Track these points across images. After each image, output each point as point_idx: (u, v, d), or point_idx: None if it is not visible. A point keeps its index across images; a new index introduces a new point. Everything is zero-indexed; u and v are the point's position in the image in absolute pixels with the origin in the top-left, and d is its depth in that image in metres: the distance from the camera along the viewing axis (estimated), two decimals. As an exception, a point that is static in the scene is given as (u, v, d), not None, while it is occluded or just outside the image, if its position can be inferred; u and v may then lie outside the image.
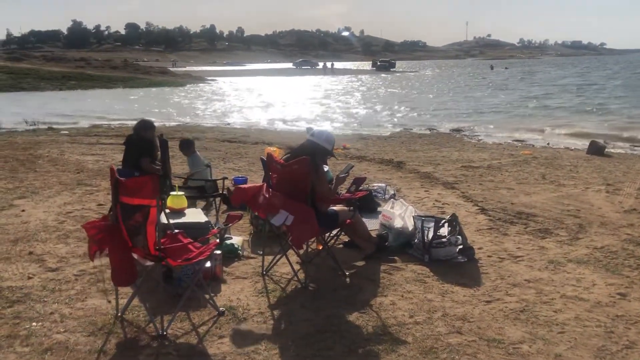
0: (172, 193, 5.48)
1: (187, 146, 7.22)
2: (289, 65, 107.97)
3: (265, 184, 4.63)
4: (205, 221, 5.13)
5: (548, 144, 14.70)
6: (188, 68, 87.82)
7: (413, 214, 5.52)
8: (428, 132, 17.63)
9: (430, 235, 5.06)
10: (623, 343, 3.49)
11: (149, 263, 3.75)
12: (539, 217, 6.56)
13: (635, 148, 13.93)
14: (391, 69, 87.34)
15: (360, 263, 5.00)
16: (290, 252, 4.73)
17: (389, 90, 43.39)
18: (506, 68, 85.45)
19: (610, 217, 6.57)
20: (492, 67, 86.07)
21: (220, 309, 3.91)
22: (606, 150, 12.41)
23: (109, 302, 4.01)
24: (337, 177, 4.84)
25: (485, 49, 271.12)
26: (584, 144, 13.67)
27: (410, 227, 5.38)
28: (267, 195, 4.43)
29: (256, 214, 5.53)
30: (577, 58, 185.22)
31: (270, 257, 4.76)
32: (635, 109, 23.11)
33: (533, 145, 14.23)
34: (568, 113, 23.07)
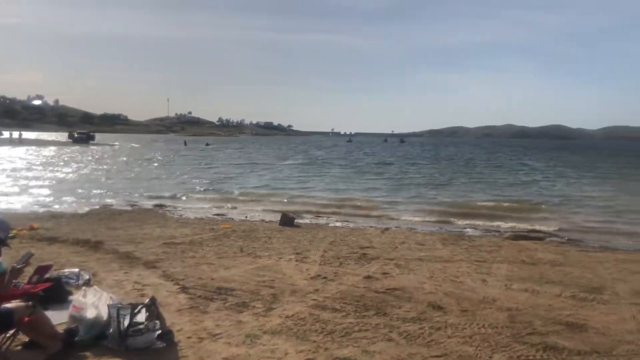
0: None
1: None
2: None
3: None
4: None
5: (246, 217, 15.61)
6: None
7: (108, 302, 5.12)
8: (129, 208, 17.02)
9: (127, 322, 4.74)
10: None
11: None
12: (237, 291, 6.78)
13: (318, 217, 15.79)
14: (90, 142, 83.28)
15: (44, 365, 4.37)
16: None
17: (85, 162, 40.88)
18: (207, 144, 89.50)
19: (299, 285, 7.18)
20: (185, 143, 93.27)
21: None
22: (295, 221, 13.76)
23: None
24: (11, 269, 4.21)
25: (186, 125, 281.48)
26: (276, 216, 14.90)
27: (105, 316, 4.96)
28: None
29: None
30: (271, 137, 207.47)
31: None
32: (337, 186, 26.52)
33: (232, 219, 14.91)
34: (264, 187, 25.09)
